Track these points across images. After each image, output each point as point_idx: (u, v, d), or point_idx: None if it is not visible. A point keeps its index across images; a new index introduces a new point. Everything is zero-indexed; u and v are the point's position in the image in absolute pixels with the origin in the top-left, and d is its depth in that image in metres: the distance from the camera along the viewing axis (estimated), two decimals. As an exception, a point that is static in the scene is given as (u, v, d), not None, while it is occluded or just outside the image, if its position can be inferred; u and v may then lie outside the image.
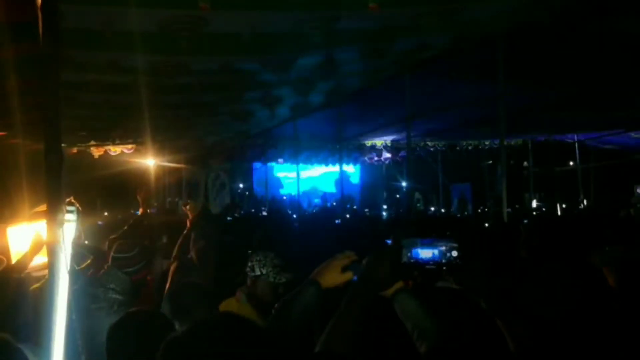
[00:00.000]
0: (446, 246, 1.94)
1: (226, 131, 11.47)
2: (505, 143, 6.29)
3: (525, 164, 17.04)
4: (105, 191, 14.13)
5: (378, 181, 19.48)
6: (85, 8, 3.74)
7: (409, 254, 1.98)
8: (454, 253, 1.93)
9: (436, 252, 1.95)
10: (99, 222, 8.13)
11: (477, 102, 7.15)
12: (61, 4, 3.48)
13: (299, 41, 4.71)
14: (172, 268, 5.30)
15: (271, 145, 14.16)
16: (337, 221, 10.01)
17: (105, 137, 10.52)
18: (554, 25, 5.09)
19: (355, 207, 17.84)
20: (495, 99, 5.79)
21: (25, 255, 3.94)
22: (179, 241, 5.66)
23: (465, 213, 15.98)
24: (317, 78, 6.78)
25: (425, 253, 1.96)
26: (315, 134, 12.55)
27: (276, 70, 5.77)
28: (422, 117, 7.80)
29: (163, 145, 12.54)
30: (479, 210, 16.50)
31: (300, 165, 15.75)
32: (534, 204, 15.90)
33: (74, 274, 2.95)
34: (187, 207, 6.17)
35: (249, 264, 3.95)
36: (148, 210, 6.69)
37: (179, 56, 4.88)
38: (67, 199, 2.54)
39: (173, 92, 6.51)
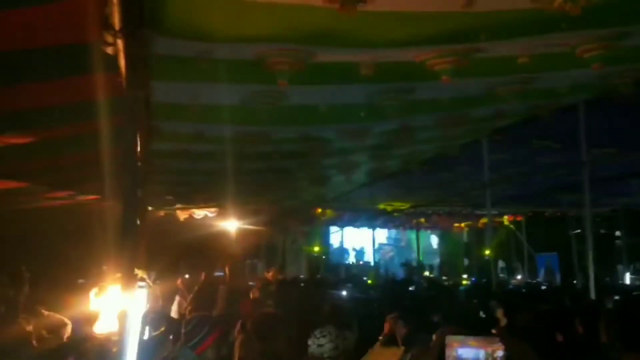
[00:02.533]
0: (492, 346, 1.85)
1: (304, 195, 11.71)
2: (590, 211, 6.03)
3: (617, 233, 16.13)
4: (189, 253, 14.57)
5: (457, 249, 19.02)
6: (175, 84, 4.04)
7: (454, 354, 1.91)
8: (500, 354, 1.85)
9: (481, 354, 1.87)
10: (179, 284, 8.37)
11: (554, 169, 6.97)
12: (153, 80, 3.82)
13: (373, 111, 4.84)
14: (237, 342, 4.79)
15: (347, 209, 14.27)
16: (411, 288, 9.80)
17: (190, 201, 11.00)
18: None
19: (432, 274, 17.45)
20: (574, 166, 5.62)
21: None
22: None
23: (553, 284, 15.16)
24: (392, 145, 6.87)
25: (468, 353, 1.89)
26: (393, 198, 12.56)
27: (351, 138, 5.92)
28: (499, 183, 7.66)
29: (244, 208, 12.91)
30: (566, 282, 15.64)
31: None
32: (627, 277, 14.86)
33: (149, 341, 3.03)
34: (270, 273, 6.29)
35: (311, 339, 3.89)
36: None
37: (259, 126, 5.14)
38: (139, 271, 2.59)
39: (254, 159, 6.81)
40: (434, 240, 20.28)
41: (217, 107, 4.52)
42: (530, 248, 16.92)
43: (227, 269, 6.86)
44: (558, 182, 9.10)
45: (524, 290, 11.13)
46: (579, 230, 16.65)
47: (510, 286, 13.44)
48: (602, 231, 16.33)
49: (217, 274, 7.97)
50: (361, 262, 18.01)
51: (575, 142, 6.31)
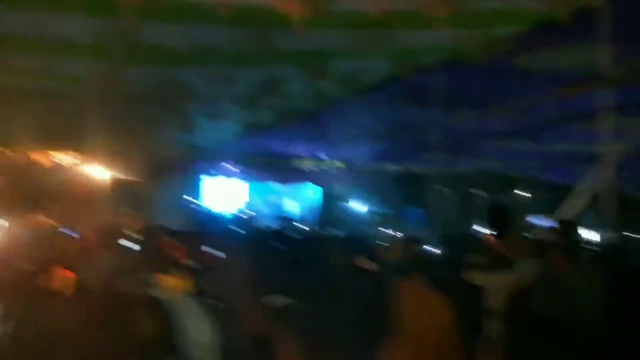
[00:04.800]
0: None
1: (174, 144, 11.40)
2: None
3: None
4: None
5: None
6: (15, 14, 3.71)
7: None
8: None
9: None
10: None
11: (414, 128, 7.34)
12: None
13: (235, 57, 4.77)
14: None
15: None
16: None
17: (50, 146, 10.32)
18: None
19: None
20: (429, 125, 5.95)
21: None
22: None
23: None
24: (261, 95, 6.83)
25: None
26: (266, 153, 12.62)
27: (215, 84, 5.81)
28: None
29: (113, 156, 12.34)
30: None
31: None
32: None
33: None
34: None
35: None
36: None
37: (114, 65, 4.88)
38: None
39: (114, 102, 6.48)
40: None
41: (66, 40, 4.21)
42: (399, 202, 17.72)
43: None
44: (422, 141, 9.53)
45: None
46: (438, 187, 17.77)
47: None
48: (469, 190, 17.49)
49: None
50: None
51: (434, 103, 6.64)
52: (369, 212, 18.16)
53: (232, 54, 4.70)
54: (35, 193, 11.29)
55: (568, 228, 6.10)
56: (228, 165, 14.92)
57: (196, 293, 3.36)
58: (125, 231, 7.06)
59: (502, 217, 4.94)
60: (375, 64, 5.66)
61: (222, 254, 5.31)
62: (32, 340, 3.33)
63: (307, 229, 16.80)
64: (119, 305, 3.40)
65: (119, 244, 5.68)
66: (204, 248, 5.44)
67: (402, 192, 17.69)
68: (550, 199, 14.37)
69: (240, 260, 4.56)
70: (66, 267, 3.82)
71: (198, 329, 3.09)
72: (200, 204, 17.17)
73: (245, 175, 16.07)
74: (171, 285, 3.29)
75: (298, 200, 20.43)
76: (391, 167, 14.78)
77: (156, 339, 3.01)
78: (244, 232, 10.79)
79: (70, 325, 3.31)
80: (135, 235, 7.06)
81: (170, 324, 3.04)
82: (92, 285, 3.91)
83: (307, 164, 14.64)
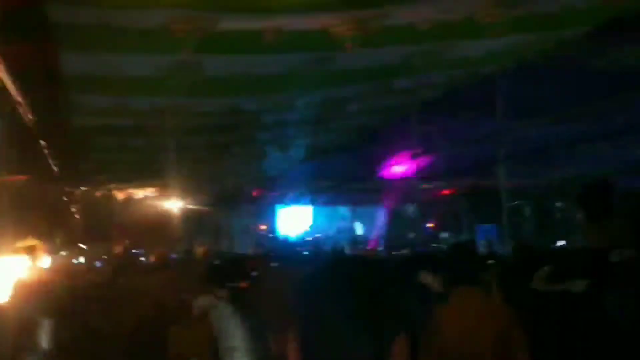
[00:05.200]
0: None
1: (244, 173, 11.63)
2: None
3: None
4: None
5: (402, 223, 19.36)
6: (84, 55, 3.93)
7: None
8: None
9: None
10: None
11: (480, 140, 7.16)
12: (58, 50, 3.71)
13: (294, 82, 4.83)
14: None
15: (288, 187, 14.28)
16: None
17: (126, 180, 10.77)
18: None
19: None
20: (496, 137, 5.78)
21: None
22: None
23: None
24: (323, 117, 6.88)
25: None
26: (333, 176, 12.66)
27: (278, 111, 5.90)
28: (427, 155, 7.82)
29: (185, 187, 12.76)
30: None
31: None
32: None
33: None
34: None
35: None
36: None
37: (180, 99, 5.06)
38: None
39: (184, 134, 6.71)
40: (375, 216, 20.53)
41: (132, 78, 4.42)
42: (471, 220, 17.29)
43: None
44: (492, 154, 9.29)
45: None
46: (516, 202, 17.17)
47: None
48: (546, 203, 16.81)
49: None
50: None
51: (505, 112, 6.47)
52: (437, 230, 17.84)
53: (291, 80, 4.76)
54: (111, 224, 11.87)
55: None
56: (297, 192, 15.08)
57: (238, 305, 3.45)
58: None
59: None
60: (437, 77, 5.59)
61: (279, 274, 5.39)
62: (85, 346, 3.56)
63: (375, 248, 16.68)
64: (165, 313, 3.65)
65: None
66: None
67: (475, 209, 17.24)
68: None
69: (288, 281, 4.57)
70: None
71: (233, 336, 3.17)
72: (271, 230, 17.47)
73: (313, 200, 16.22)
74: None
75: (366, 223, 20.39)
76: (463, 182, 14.42)
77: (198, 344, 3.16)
78: (309, 254, 10.86)
79: (126, 328, 3.63)
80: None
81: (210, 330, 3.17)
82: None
83: (376, 185, 14.56)
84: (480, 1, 3.51)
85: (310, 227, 18.31)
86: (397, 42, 4.06)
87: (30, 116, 5.17)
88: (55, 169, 7.43)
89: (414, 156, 7.26)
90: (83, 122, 5.47)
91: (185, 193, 13.22)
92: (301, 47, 3.97)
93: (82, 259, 8.96)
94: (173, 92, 4.77)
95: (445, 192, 17.17)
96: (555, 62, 5.58)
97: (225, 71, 4.48)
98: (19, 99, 4.62)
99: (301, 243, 16.69)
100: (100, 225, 11.61)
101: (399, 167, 11.18)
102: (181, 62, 4.05)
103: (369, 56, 4.40)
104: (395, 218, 20.77)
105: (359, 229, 20.61)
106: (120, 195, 11.99)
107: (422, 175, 12.21)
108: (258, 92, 5.24)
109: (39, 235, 6.71)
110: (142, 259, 8.33)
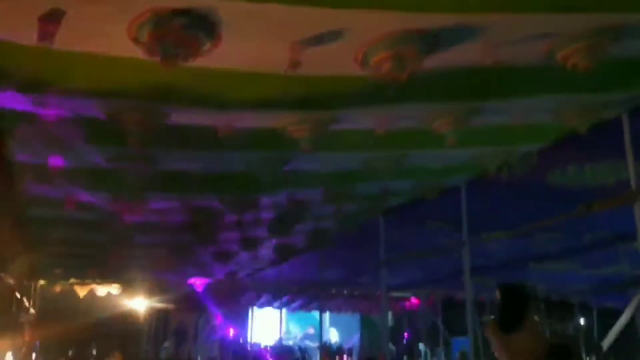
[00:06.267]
0: None
1: (212, 273, 11.31)
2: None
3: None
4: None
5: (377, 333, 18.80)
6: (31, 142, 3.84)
7: None
8: None
9: None
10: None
11: (442, 250, 7.04)
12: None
13: (254, 181, 4.75)
14: None
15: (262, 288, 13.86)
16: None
17: (84, 275, 10.37)
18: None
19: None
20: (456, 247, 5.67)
21: None
22: None
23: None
24: (289, 219, 6.76)
25: None
26: (303, 279, 12.34)
27: (240, 209, 5.77)
28: (397, 261, 7.63)
29: (149, 286, 12.34)
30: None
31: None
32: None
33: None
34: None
35: None
36: None
37: (132, 194, 4.93)
38: None
39: (141, 231, 6.52)
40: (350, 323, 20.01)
41: (81, 169, 4.30)
42: (445, 332, 16.86)
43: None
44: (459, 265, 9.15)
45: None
46: (492, 317, 16.83)
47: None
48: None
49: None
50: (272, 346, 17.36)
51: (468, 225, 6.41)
52: (414, 341, 17.36)
53: (250, 178, 4.68)
54: (71, 325, 11.28)
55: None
56: (268, 295, 14.63)
57: None
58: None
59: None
60: (399, 185, 5.57)
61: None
62: None
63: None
64: None
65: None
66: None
67: (449, 321, 16.83)
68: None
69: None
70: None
71: None
72: (239, 335, 16.80)
73: (285, 304, 15.75)
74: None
75: (338, 328, 19.80)
76: (433, 292, 14.16)
77: None
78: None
79: None
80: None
81: None
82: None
83: (346, 291, 14.24)
84: (436, 109, 3.52)
85: (282, 332, 17.76)
86: (352, 147, 4.03)
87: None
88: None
89: (381, 264, 7.09)
90: (31, 212, 5.29)
91: (149, 291, 12.79)
92: (257, 146, 3.92)
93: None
94: (125, 185, 4.65)
95: (421, 302, 16.88)
96: (516, 176, 5.60)
97: (181, 165, 4.40)
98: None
99: (273, 351, 16.08)
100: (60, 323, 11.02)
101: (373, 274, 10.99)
102: (132, 154, 3.97)
103: (329, 159, 4.38)
104: (371, 327, 20.23)
105: (334, 335, 19.98)
106: (81, 291, 11.50)
107: (395, 284, 12.01)
108: (217, 190, 5.14)
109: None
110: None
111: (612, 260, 8.91)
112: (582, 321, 15.80)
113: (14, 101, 3.08)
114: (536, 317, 1.34)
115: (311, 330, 19.26)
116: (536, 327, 1.35)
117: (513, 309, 1.36)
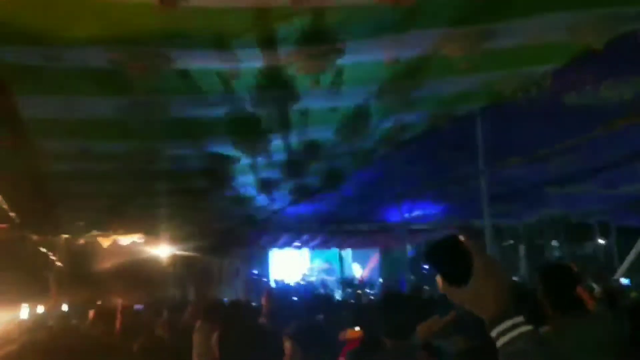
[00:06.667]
0: None
1: (231, 218, 11.43)
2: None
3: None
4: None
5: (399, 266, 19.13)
6: (40, 98, 3.81)
7: None
8: None
9: None
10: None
11: (459, 179, 7.01)
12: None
13: (264, 122, 4.71)
14: None
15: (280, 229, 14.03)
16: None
17: (107, 227, 10.55)
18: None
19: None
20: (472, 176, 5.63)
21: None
22: None
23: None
24: (305, 160, 6.74)
25: None
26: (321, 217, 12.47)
27: (253, 153, 5.76)
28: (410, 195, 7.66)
29: (173, 234, 12.54)
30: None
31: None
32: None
33: None
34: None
35: None
36: None
37: (147, 142, 4.93)
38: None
39: (158, 179, 6.56)
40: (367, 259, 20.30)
41: (92, 121, 4.28)
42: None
43: None
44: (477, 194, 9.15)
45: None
46: (511, 241, 16.97)
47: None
48: (537, 242, 16.65)
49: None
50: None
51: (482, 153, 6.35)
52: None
53: (258, 120, 4.63)
54: (97, 275, 11.60)
55: None
56: (290, 235, 14.83)
57: None
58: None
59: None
60: (412, 117, 5.49)
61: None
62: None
63: (370, 291, 16.36)
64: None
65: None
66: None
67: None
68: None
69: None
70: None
71: None
72: (263, 275, 17.18)
73: (308, 243, 15.98)
74: None
75: (362, 264, 20.13)
76: (452, 223, 14.24)
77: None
78: (302, 301, 10.55)
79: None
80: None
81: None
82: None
83: (366, 227, 14.36)
84: (446, 35, 3.41)
85: (308, 270, 18.14)
86: (362, 81, 3.95)
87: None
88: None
89: (400, 197, 7.11)
90: (49, 168, 5.32)
91: (172, 239, 13.03)
92: (265, 85, 3.85)
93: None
94: (138, 135, 4.64)
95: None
96: (531, 99, 5.48)
97: (188, 112, 4.36)
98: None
99: (298, 289, 16.46)
100: (86, 274, 11.36)
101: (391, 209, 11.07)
102: (141, 103, 3.93)
103: (338, 95, 4.29)
104: (392, 260, 20.55)
105: (356, 271, 20.37)
106: (105, 242, 11.75)
107: (415, 216, 12.10)
108: (229, 134, 5.11)
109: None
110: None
111: (632, 179, 8.86)
112: (601, 241, 15.91)
113: (20, 55, 3.05)
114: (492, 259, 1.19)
115: (326, 266, 19.61)
116: (491, 270, 1.19)
117: (454, 261, 1.23)
